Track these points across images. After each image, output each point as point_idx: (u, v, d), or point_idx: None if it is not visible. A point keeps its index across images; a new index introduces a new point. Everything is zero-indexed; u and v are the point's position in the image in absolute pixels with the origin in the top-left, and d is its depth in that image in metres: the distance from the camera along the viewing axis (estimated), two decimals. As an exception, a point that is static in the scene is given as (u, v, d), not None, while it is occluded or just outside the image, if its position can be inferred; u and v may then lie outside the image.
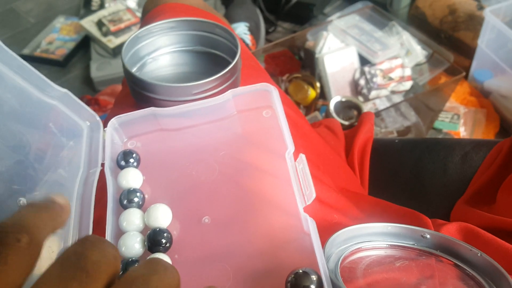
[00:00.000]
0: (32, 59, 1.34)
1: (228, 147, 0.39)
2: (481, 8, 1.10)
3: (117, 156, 0.38)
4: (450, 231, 0.36)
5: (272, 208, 0.34)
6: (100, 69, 1.26)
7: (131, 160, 0.38)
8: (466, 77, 1.13)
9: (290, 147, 0.35)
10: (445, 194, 0.49)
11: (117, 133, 0.40)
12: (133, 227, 0.34)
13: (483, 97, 1.10)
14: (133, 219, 0.34)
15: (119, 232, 0.34)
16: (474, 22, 1.09)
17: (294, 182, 0.33)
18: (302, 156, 0.33)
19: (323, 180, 0.44)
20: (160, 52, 0.53)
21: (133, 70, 0.51)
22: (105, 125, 0.39)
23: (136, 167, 0.38)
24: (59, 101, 0.37)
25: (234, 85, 0.48)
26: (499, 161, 0.46)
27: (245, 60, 0.53)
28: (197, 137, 0.40)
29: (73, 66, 1.35)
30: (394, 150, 0.55)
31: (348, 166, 0.53)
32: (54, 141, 0.38)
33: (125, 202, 0.35)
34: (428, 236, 0.34)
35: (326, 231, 0.31)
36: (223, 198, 0.36)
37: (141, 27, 0.61)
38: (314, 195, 0.30)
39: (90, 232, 0.32)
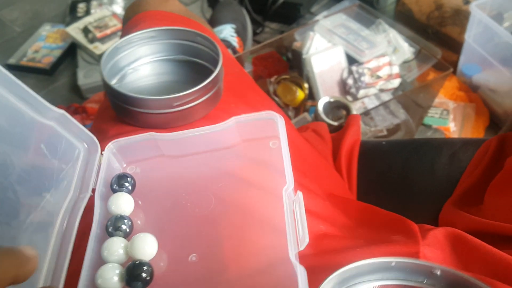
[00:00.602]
0: (18, 68, 1.33)
1: (228, 178, 0.38)
2: (467, 2, 1.10)
3: (111, 180, 0.37)
4: (438, 236, 0.36)
5: (262, 251, 0.33)
6: (87, 76, 1.24)
7: (126, 184, 0.36)
8: (454, 72, 1.13)
9: (289, 183, 0.33)
10: (433, 195, 0.49)
11: (115, 157, 0.39)
12: (115, 257, 0.32)
13: (471, 91, 1.10)
14: (115, 248, 0.32)
15: (100, 262, 0.32)
16: (461, 17, 1.09)
17: (289, 226, 0.31)
18: (300, 195, 0.32)
19: (310, 187, 0.44)
20: (140, 62, 0.52)
21: (113, 81, 0.50)
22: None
23: (130, 192, 0.37)
24: (55, 121, 0.36)
25: (216, 95, 0.47)
26: (485, 161, 0.46)
27: (229, 66, 0.53)
28: (197, 165, 0.39)
29: (60, 74, 1.34)
30: (381, 152, 0.55)
31: (335, 170, 0.53)
32: (44, 164, 0.36)
33: (110, 229, 0.33)
34: (438, 272, 0.29)
35: (312, 245, 0.30)
36: (214, 235, 0.34)
37: (122, 35, 0.60)
38: (307, 240, 0.29)
39: (67, 263, 0.31)
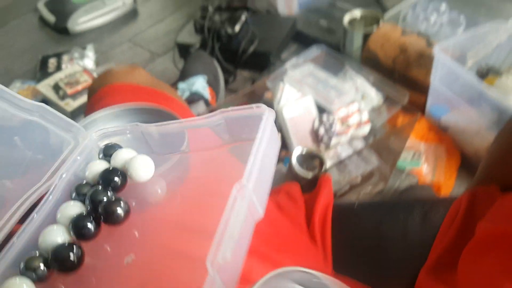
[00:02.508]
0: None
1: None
2: (430, 45, 1.13)
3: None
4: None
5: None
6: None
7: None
8: (423, 113, 1.15)
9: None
10: (407, 261, 0.48)
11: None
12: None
13: (442, 132, 1.12)
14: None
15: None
16: (425, 60, 1.12)
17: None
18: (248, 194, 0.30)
19: (283, 262, 0.43)
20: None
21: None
22: None
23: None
24: (32, 114, 0.36)
25: (183, 172, 0.47)
26: (457, 224, 0.46)
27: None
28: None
29: (31, 133, 1.31)
30: (354, 216, 0.54)
31: (309, 239, 0.52)
32: (16, 154, 0.37)
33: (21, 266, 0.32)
34: None
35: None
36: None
37: (87, 108, 0.59)
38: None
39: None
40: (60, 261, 0.31)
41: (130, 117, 0.50)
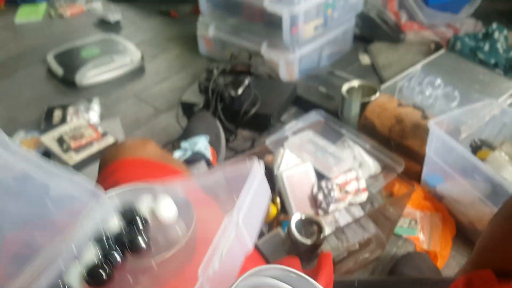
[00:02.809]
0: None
1: None
2: (425, 117, 1.18)
3: None
4: None
5: None
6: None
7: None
8: (418, 181, 1.19)
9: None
10: None
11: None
12: None
13: (437, 201, 1.15)
14: None
15: None
16: (421, 131, 1.17)
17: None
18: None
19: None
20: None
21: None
22: None
23: None
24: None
25: (189, 255, 0.48)
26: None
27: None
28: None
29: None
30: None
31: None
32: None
33: None
34: None
35: None
36: None
37: (97, 180, 0.61)
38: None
39: None
40: None
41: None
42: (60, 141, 1.34)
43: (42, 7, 2.45)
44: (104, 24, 2.23)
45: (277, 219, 1.00)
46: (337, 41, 1.72)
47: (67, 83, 1.74)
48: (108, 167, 0.59)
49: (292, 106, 1.52)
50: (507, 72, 1.52)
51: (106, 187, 0.48)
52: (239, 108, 1.41)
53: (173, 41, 2.03)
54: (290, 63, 1.57)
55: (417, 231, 1.08)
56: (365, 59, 1.74)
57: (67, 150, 1.31)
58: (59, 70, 1.78)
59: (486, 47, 1.57)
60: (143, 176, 0.51)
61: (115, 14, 2.23)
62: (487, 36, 1.62)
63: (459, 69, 1.53)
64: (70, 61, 1.83)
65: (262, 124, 1.42)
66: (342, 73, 1.59)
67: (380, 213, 0.99)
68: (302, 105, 1.51)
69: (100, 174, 0.62)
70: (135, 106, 1.62)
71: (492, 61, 1.53)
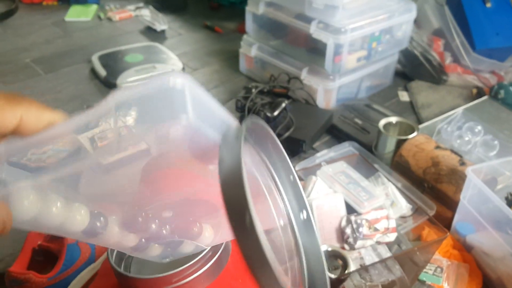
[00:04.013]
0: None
1: None
2: (463, 163, 1.16)
3: None
4: None
5: None
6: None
7: None
8: (448, 228, 1.15)
9: None
10: None
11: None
12: None
13: (465, 251, 1.11)
14: None
15: None
16: (456, 177, 1.14)
17: None
18: None
19: None
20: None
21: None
22: None
23: None
24: None
25: (218, 265, 0.48)
26: None
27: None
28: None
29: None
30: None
31: None
32: None
33: None
34: None
35: None
36: None
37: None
38: None
39: None
40: None
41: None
42: (92, 140, 1.37)
43: (93, 9, 2.54)
44: (150, 32, 2.29)
45: (301, 247, 0.99)
46: (377, 75, 1.71)
47: (108, 85, 1.78)
48: (150, 176, 0.60)
49: (326, 134, 1.52)
50: (550, 126, 1.47)
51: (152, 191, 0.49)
52: (273, 129, 1.41)
53: (215, 56, 2.06)
54: (328, 91, 1.57)
55: (442, 280, 1.05)
56: (404, 96, 1.72)
57: (95, 149, 1.33)
58: (102, 71, 1.82)
59: (530, 98, 1.53)
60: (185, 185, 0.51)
61: (161, 24, 2.28)
62: (532, 87, 1.59)
63: (501, 118, 1.50)
64: (114, 64, 1.88)
65: (294, 148, 1.42)
66: (379, 107, 1.58)
67: (408, 256, 0.97)
68: (336, 134, 1.50)
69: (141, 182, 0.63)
70: (171, 115, 1.64)
71: (536, 113, 1.49)
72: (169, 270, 0.43)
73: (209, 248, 0.45)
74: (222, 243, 0.49)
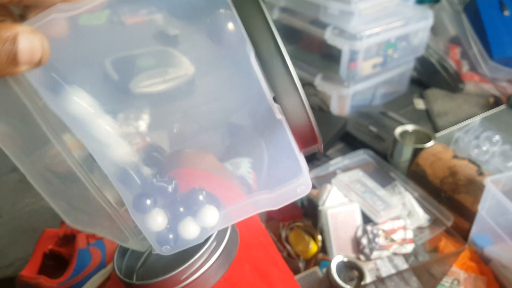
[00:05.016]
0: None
1: None
2: (481, 173, 1.13)
3: None
4: None
5: None
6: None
7: None
8: (465, 240, 1.13)
9: None
10: None
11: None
12: None
13: (483, 263, 1.08)
14: None
15: None
16: (474, 187, 1.12)
17: None
18: None
19: None
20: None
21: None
22: None
23: None
24: None
25: (228, 254, 0.47)
26: None
27: (252, 237, 0.52)
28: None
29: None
30: None
31: None
32: None
33: None
34: None
35: None
36: None
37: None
38: None
39: None
40: None
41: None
42: (108, 144, 1.36)
43: (106, 12, 2.54)
44: (163, 36, 2.29)
45: (316, 257, 0.96)
46: (393, 82, 1.69)
47: (120, 89, 1.78)
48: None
49: (339, 141, 1.50)
50: None
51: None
52: (286, 136, 1.39)
53: (227, 61, 2.05)
54: (343, 98, 1.55)
55: (460, 293, 1.02)
56: (419, 104, 1.70)
57: (113, 154, 1.33)
58: (114, 75, 1.82)
59: (550, 108, 1.50)
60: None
61: (174, 28, 2.28)
62: (552, 97, 1.56)
63: (519, 127, 1.47)
64: (126, 67, 1.87)
65: (308, 156, 1.39)
66: (394, 114, 1.56)
67: (425, 268, 0.94)
68: (350, 142, 1.48)
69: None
70: (182, 120, 1.64)
71: (555, 123, 1.46)
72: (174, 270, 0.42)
73: (213, 237, 0.45)
74: (226, 234, 0.48)
